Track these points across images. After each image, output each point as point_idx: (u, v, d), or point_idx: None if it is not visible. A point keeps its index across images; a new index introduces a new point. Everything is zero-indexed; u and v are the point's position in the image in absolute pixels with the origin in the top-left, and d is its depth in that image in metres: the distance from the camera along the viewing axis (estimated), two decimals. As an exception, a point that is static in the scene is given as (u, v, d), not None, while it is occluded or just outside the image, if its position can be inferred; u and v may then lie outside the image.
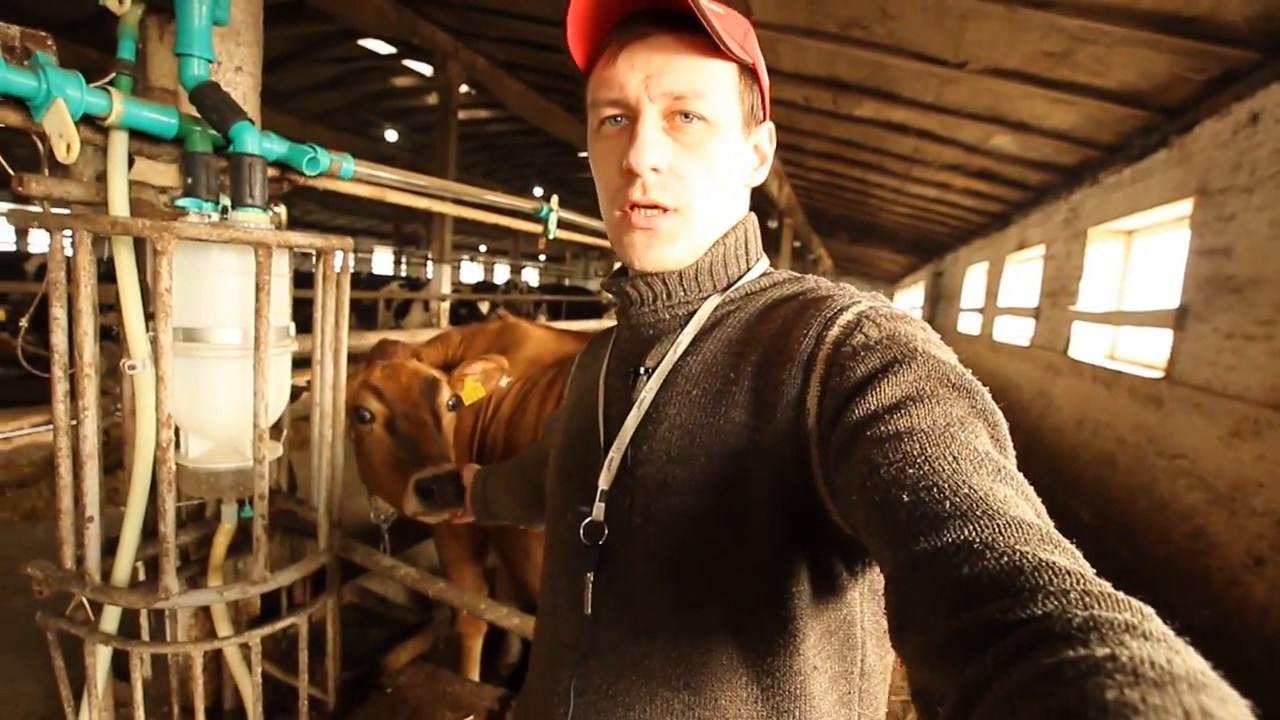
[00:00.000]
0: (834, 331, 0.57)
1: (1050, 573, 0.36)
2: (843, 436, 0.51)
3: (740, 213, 0.71)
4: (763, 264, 0.72)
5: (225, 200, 1.27)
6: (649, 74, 0.61)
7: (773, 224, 11.31)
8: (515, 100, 9.34)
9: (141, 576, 1.32)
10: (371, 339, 2.47)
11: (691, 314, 0.68)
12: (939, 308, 14.38)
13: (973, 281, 11.13)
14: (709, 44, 0.61)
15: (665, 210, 0.63)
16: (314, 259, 1.29)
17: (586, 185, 19.41)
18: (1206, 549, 3.42)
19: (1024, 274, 8.39)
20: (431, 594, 1.52)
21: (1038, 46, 4.02)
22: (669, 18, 0.61)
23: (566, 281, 28.44)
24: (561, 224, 2.76)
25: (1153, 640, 0.30)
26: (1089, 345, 5.77)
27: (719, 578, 0.59)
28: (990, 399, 0.53)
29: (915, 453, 0.45)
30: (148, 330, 1.15)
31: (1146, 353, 4.97)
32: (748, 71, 0.67)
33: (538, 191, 18.53)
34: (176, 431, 1.13)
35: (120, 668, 1.33)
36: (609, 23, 0.65)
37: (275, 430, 1.37)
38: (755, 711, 0.59)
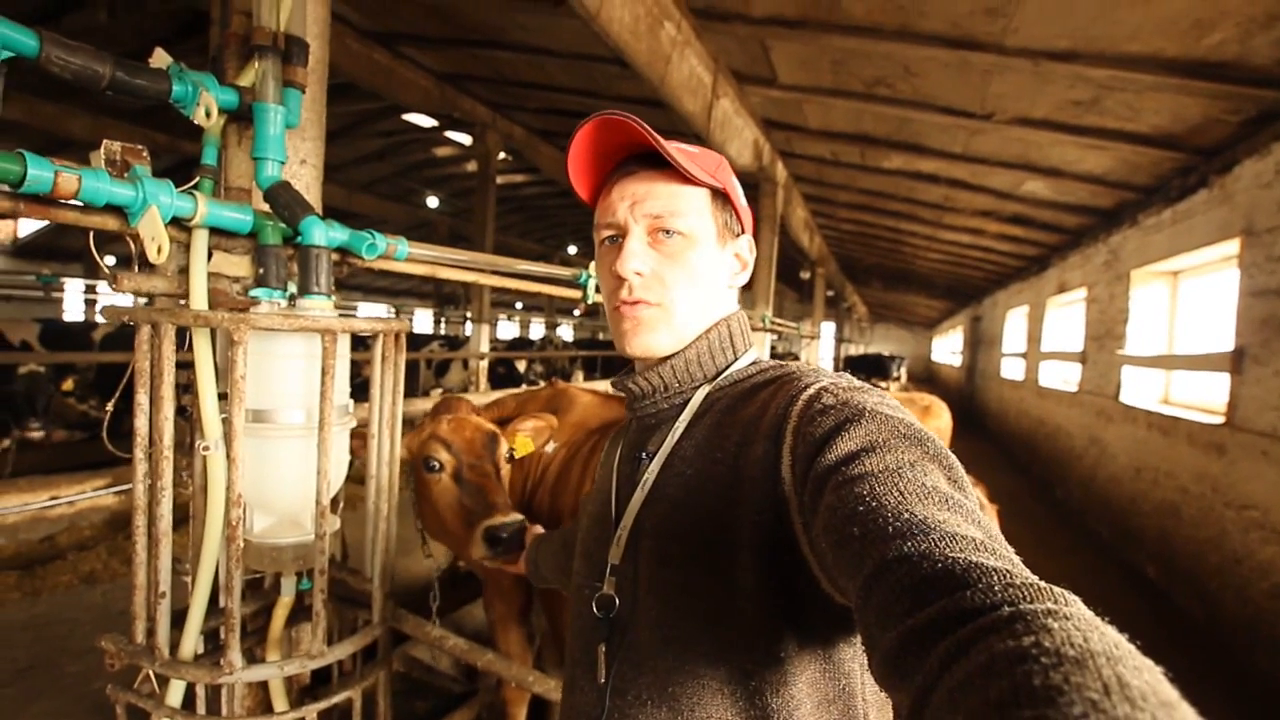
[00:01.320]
0: (798, 406, 0.63)
1: (979, 572, 0.39)
2: (811, 493, 0.56)
3: (724, 310, 0.80)
4: (751, 354, 0.81)
5: (292, 286, 1.36)
6: (634, 200, 0.74)
7: (805, 274, 11.36)
8: (550, 165, 9.70)
9: (201, 648, 1.36)
10: (418, 405, 2.55)
11: (686, 403, 0.77)
12: (979, 352, 14.09)
13: (1013, 325, 10.91)
14: (682, 176, 0.73)
15: (650, 305, 0.74)
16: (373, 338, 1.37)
17: (619, 241, 19.80)
18: (1289, 608, 3.20)
19: (1066, 317, 8.21)
20: (480, 665, 1.52)
21: (1065, 96, 4.06)
22: (651, 159, 0.75)
23: (600, 336, 28.76)
24: (600, 289, 2.83)
25: (1073, 621, 0.32)
26: (1141, 390, 5.57)
27: (715, 644, 0.63)
28: (943, 446, 0.57)
29: (866, 493, 0.49)
30: (220, 412, 1.22)
31: (1203, 397, 4.79)
32: (720, 195, 0.78)
33: (572, 250, 18.99)
34: (244, 508, 1.19)
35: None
36: (604, 167, 0.79)
37: (332, 503, 1.42)
38: None
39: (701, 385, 0.77)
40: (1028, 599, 0.35)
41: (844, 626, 0.63)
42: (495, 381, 10.01)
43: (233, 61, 1.33)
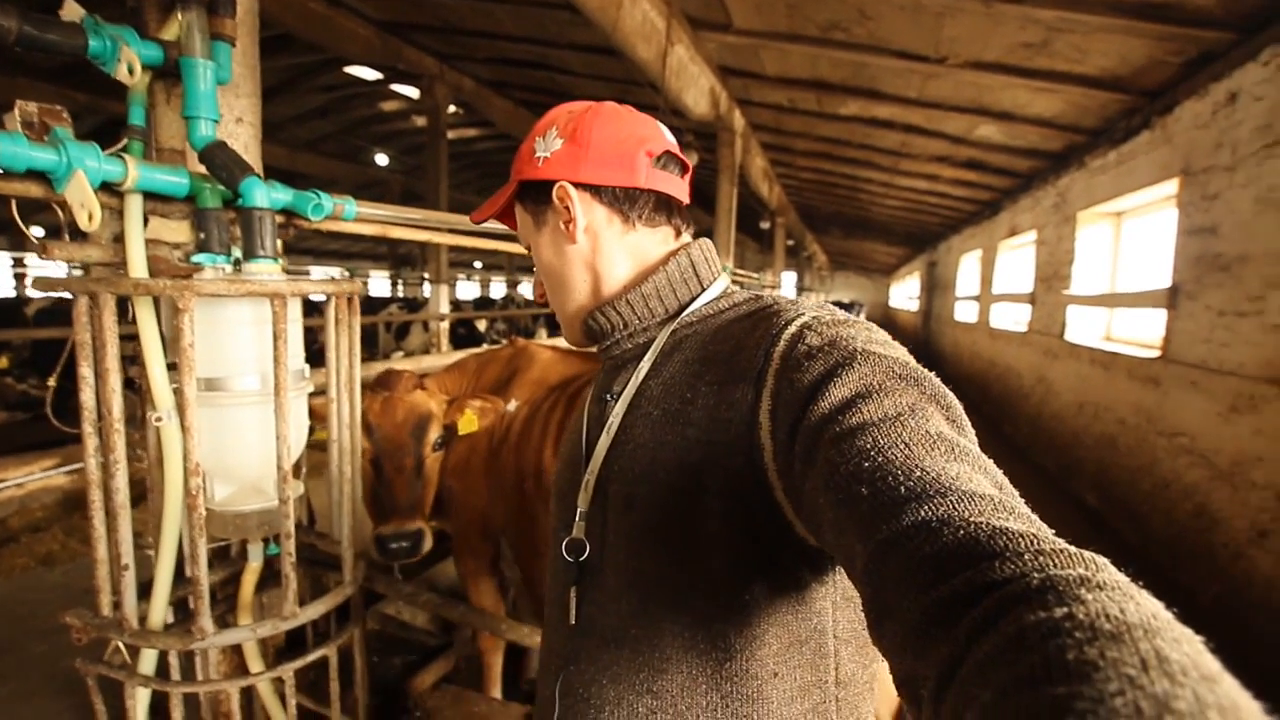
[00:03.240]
0: (780, 346, 0.60)
1: (1005, 538, 0.37)
2: (804, 445, 0.52)
3: (616, 255, 0.76)
4: (719, 285, 0.76)
5: (236, 251, 1.32)
6: None
7: (765, 225, 11.37)
8: (504, 118, 9.41)
9: (170, 618, 1.36)
10: (378, 369, 2.52)
11: (652, 341, 0.74)
12: (935, 297, 14.42)
13: (967, 270, 11.17)
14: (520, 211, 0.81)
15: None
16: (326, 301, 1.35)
17: (578, 195, 19.45)
18: (1210, 525, 3.45)
19: (1017, 260, 8.43)
20: (455, 618, 1.56)
21: (1015, 38, 4.08)
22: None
23: (563, 292, 28.39)
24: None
25: (1107, 590, 0.31)
26: (1085, 328, 5.81)
27: (678, 588, 0.62)
28: (940, 384, 0.54)
29: (869, 446, 0.47)
30: (170, 382, 1.20)
31: (1142, 333, 5.02)
32: (521, 189, 0.79)
33: (530, 205, 18.58)
34: (203, 477, 1.18)
35: (156, 707, 1.37)
36: None
37: (295, 468, 1.42)
38: (714, 717, 0.62)
39: (666, 322, 0.74)
40: (1058, 565, 0.34)
41: (816, 567, 0.62)
42: (457, 342, 9.89)
43: (153, 13, 1.26)
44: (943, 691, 0.32)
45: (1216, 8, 3.29)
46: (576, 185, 0.74)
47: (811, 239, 17.61)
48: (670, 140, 0.78)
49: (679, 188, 0.78)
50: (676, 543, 0.62)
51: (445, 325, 8.96)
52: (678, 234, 0.80)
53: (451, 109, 8.72)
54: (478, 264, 29.41)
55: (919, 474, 0.44)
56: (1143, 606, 0.30)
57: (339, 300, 1.32)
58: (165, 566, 1.22)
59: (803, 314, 0.63)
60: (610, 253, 0.76)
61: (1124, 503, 4.51)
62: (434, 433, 1.89)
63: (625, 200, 0.74)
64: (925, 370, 0.55)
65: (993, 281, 9.01)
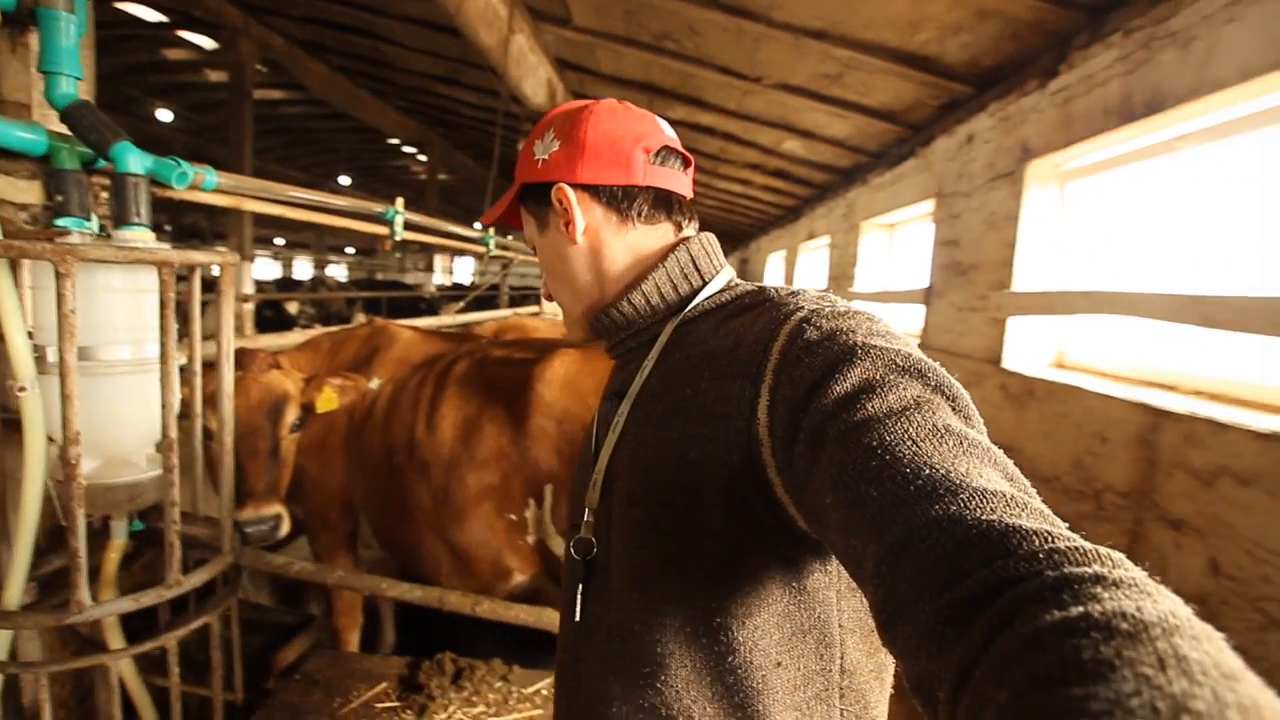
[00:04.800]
0: (779, 340, 0.58)
1: (1019, 536, 0.36)
2: (806, 443, 0.51)
3: (615, 253, 0.75)
4: (722, 278, 0.75)
5: (96, 218, 1.27)
6: None
7: (596, 216, 11.72)
8: (318, 83, 8.70)
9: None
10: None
11: (655, 338, 0.73)
12: (747, 291, 15.80)
13: (773, 267, 12.43)
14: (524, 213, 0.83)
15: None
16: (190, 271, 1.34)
17: (398, 174, 18.35)
18: (952, 477, 4.36)
19: (814, 260, 9.61)
20: (331, 583, 1.61)
21: (817, 69, 4.74)
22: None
23: (379, 276, 26.70)
24: (409, 226, 2.81)
25: (1123, 588, 0.30)
26: (866, 320, 6.85)
27: (680, 582, 0.62)
28: (945, 374, 0.53)
29: (875, 444, 0.45)
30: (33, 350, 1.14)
31: (908, 324, 6.08)
32: (524, 192, 0.80)
33: (344, 180, 17.25)
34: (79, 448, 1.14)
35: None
36: None
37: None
38: (720, 709, 0.61)
39: (669, 318, 0.73)
40: (1073, 563, 0.33)
41: (819, 555, 0.61)
42: (263, 326, 9.02)
43: (-4, -46, 1.17)
44: (959, 692, 0.32)
45: (961, 66, 4.13)
46: (574, 186, 0.73)
47: (637, 232, 18.34)
48: (669, 135, 0.77)
49: (680, 182, 0.77)
50: (677, 537, 0.61)
51: (250, 307, 8.14)
52: (678, 229, 0.78)
53: (256, 67, 7.89)
54: (279, 240, 26.58)
55: (928, 471, 0.43)
56: (1160, 604, 0.29)
57: (225, 270, 1.32)
58: (24, 542, 1.15)
59: (802, 307, 0.61)
60: (610, 252, 0.75)
61: (892, 464, 5.46)
62: (291, 414, 1.87)
63: (623, 199, 0.74)
64: (930, 361, 0.54)
65: (794, 279, 10.17)
